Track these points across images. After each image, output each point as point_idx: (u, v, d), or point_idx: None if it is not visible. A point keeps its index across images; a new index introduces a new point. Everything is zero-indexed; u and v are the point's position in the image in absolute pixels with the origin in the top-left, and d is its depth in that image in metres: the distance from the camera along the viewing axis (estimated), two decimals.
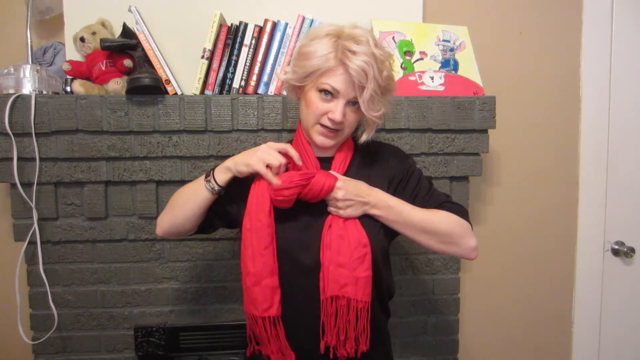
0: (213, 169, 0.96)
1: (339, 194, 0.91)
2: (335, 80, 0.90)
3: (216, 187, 0.94)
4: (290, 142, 1.06)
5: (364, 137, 0.99)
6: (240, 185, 0.96)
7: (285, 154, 0.93)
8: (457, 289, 1.40)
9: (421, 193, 1.01)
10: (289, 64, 1.24)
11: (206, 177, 0.95)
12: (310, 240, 0.93)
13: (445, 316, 1.40)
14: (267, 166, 0.91)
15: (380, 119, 0.95)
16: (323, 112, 0.92)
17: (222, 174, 0.94)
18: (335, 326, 0.89)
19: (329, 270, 0.89)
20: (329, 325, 0.89)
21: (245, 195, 0.95)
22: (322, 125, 0.93)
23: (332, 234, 0.91)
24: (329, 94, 0.91)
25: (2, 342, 1.46)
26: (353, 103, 0.92)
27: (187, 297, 1.33)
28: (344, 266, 0.89)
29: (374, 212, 0.94)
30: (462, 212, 0.98)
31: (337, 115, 0.90)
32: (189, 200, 0.97)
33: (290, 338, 0.94)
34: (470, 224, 0.98)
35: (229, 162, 0.94)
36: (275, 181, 0.90)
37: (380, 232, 0.96)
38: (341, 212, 0.92)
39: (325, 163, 0.99)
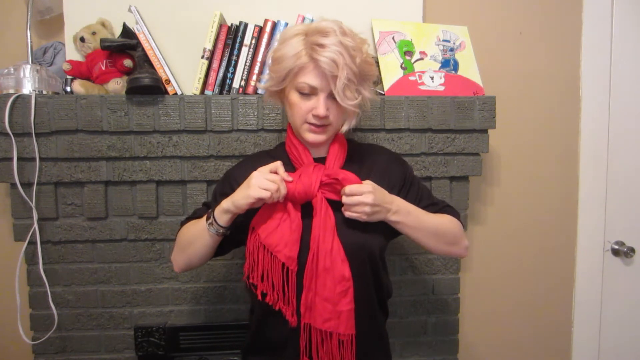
0: (213, 211, 0.93)
1: (369, 198, 0.89)
2: (310, 77, 0.90)
3: (220, 230, 0.93)
4: (283, 144, 1.07)
5: (344, 127, 0.98)
6: (245, 215, 0.94)
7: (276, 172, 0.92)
8: (457, 289, 1.40)
9: (424, 199, 1.04)
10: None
11: (207, 219, 0.93)
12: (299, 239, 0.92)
13: (445, 316, 1.40)
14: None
15: (358, 108, 0.94)
16: (307, 110, 0.93)
17: (223, 216, 0.91)
18: (318, 357, 0.90)
19: (314, 302, 0.89)
20: (314, 354, 0.90)
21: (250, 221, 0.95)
22: (310, 123, 0.94)
23: (319, 265, 0.89)
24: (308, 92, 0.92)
25: (2, 342, 1.45)
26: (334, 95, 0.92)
27: (187, 297, 1.33)
28: (328, 300, 0.89)
29: (394, 218, 0.93)
30: (458, 215, 1.06)
31: (321, 110, 0.90)
32: (198, 243, 0.96)
33: (268, 330, 0.95)
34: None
35: (226, 203, 0.90)
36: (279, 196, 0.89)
37: (379, 235, 0.96)
38: (365, 217, 0.90)
39: (320, 163, 0.99)
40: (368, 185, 0.90)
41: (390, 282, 1.06)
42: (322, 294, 0.89)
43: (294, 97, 0.93)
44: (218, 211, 0.92)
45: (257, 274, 0.90)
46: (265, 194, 0.86)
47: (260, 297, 0.91)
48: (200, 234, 0.95)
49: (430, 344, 1.39)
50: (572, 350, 1.66)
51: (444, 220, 1.00)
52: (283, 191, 0.89)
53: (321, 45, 0.87)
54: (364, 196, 0.88)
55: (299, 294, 0.90)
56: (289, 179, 0.91)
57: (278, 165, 0.91)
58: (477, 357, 1.63)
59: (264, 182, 0.87)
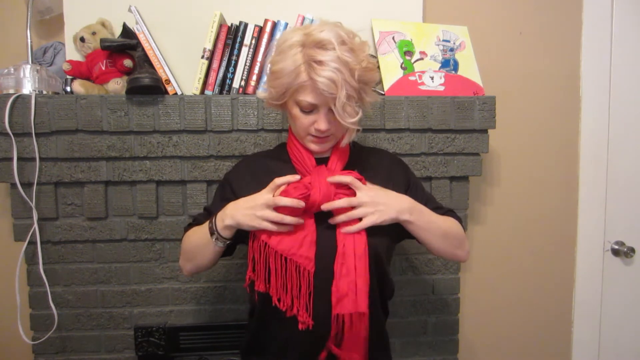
0: (215, 222, 0.93)
1: (357, 198, 0.89)
2: (311, 96, 0.89)
3: (227, 242, 0.94)
4: (283, 144, 1.07)
5: (345, 140, 0.97)
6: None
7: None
8: (457, 289, 1.40)
9: (430, 202, 1.04)
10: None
11: (211, 233, 0.93)
12: (322, 250, 0.91)
13: (445, 316, 1.40)
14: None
15: (357, 125, 0.92)
16: (309, 124, 0.93)
17: (226, 231, 0.92)
18: (344, 347, 0.90)
19: (355, 286, 0.88)
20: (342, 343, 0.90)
21: None
22: (313, 135, 0.95)
23: (348, 251, 0.89)
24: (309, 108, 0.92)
25: (2, 342, 1.46)
26: None
27: (187, 297, 1.33)
28: (365, 284, 0.89)
29: (406, 218, 0.92)
30: (461, 220, 1.05)
31: (322, 125, 0.91)
32: (205, 253, 0.96)
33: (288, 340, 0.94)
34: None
35: (228, 220, 0.90)
36: (287, 228, 0.89)
37: (385, 235, 0.95)
38: (366, 220, 0.89)
39: (322, 163, 0.99)
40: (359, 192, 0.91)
41: (393, 282, 1.06)
42: (363, 276, 0.88)
43: (296, 110, 0.93)
44: (220, 226, 0.92)
45: (274, 281, 0.89)
46: (270, 227, 0.87)
47: (276, 302, 0.89)
48: (206, 247, 0.95)
49: (430, 344, 1.39)
50: (572, 350, 1.66)
51: (451, 223, 1.01)
52: (287, 220, 0.88)
53: (319, 62, 0.85)
54: (357, 197, 0.90)
55: (318, 297, 0.89)
56: (298, 205, 0.88)
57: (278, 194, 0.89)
58: (477, 357, 1.63)
59: (269, 215, 0.87)
